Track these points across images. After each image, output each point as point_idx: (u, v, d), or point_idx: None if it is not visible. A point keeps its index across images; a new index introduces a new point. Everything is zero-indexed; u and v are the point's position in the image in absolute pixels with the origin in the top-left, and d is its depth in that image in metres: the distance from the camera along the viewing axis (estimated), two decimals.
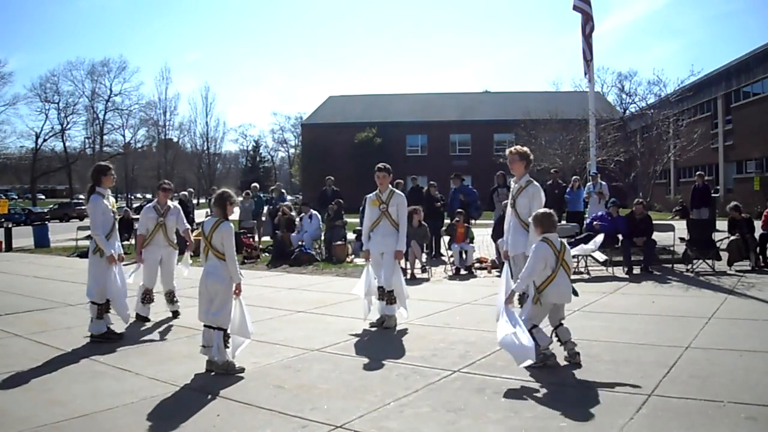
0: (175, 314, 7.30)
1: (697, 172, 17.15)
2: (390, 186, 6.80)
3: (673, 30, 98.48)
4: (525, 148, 5.89)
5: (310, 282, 10.24)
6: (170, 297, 7.30)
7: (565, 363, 4.84)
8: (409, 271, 10.05)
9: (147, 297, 7.16)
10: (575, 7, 13.32)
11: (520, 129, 28.53)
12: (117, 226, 6.42)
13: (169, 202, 7.46)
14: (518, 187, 5.72)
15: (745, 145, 28.83)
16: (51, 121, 62.17)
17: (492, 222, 11.75)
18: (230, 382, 4.65)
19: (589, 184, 13.42)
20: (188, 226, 7.73)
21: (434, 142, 43.58)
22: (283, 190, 18.27)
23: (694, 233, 10.45)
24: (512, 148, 5.88)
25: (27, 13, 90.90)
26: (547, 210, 5.02)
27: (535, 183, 5.70)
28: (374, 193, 6.79)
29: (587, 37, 13.43)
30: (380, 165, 6.82)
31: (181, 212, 7.63)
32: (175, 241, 7.43)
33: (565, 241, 5.00)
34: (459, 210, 11.52)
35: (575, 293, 4.95)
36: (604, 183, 13.16)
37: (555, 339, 4.91)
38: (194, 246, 7.35)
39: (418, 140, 44.38)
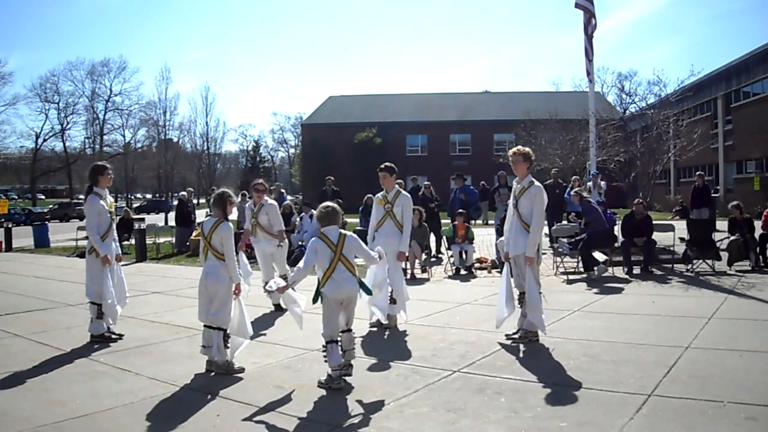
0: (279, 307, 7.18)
1: (697, 172, 17.15)
2: (397, 186, 6.79)
3: (673, 30, 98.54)
4: (527, 149, 5.88)
5: (310, 282, 10.20)
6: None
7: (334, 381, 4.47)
8: (409, 271, 10.05)
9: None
10: (577, 5, 13.27)
11: (520, 129, 28.51)
12: (114, 226, 6.40)
13: (266, 197, 7.55)
14: (521, 187, 5.71)
15: (745, 145, 28.82)
16: (51, 121, 62.22)
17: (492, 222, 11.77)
18: (230, 382, 4.66)
19: (589, 184, 13.40)
20: (282, 228, 7.81)
21: (434, 142, 43.54)
22: (283, 190, 18.25)
23: (694, 233, 10.45)
24: (515, 149, 5.86)
25: (27, 13, 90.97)
26: (327, 204, 4.74)
27: (538, 183, 5.69)
28: (381, 192, 6.78)
29: (590, 36, 13.39)
30: (382, 165, 6.79)
31: (277, 210, 7.74)
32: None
33: (350, 234, 4.73)
34: (460, 210, 11.52)
35: (366, 291, 4.79)
36: (604, 183, 13.11)
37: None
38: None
39: (418, 140, 44.34)
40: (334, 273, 4.52)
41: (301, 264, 4.65)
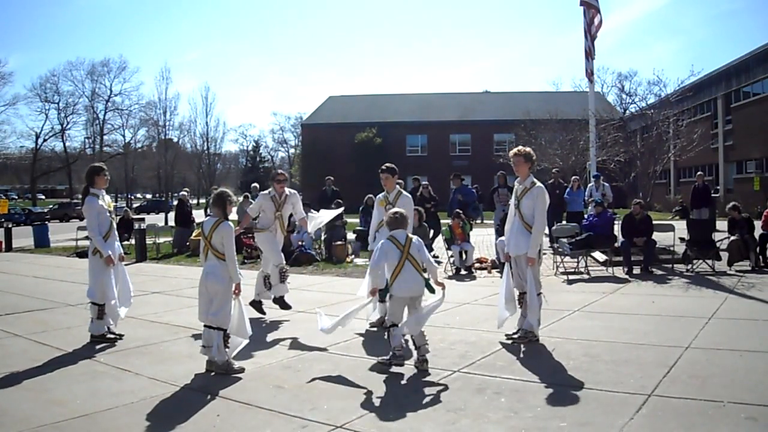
0: (281, 303, 7.12)
1: (698, 173, 17.13)
2: (398, 187, 6.79)
3: (674, 29, 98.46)
4: (528, 149, 5.87)
5: (310, 282, 10.24)
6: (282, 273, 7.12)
7: (415, 368, 4.87)
8: None
9: (283, 274, 7.10)
10: (582, 2, 13.23)
11: (520, 129, 28.53)
12: (115, 225, 6.39)
13: (287, 190, 7.28)
14: (523, 188, 5.70)
15: (745, 145, 28.81)
16: (51, 121, 62.14)
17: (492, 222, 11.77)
18: (230, 382, 4.66)
19: (590, 185, 13.34)
20: (304, 215, 7.59)
21: (434, 142, 43.56)
22: None
23: (694, 233, 10.44)
24: (516, 150, 5.84)
25: (27, 13, 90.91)
26: (397, 210, 5.25)
27: (540, 184, 5.68)
28: (382, 193, 6.78)
29: (593, 36, 13.35)
30: (384, 166, 6.79)
31: (299, 200, 7.48)
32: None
33: (415, 237, 5.14)
34: (457, 211, 11.52)
35: (430, 290, 5.07)
36: (607, 185, 13.07)
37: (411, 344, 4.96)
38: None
39: (418, 140, 44.37)
40: (403, 271, 4.92)
41: (372, 264, 5.13)
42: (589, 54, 13.49)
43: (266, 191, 7.29)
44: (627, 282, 9.11)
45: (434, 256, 11.81)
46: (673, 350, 5.12)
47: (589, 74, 13.78)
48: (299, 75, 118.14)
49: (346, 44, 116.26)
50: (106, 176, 6.29)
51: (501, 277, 6.14)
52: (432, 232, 11.80)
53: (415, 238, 5.12)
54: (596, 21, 13.27)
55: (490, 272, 10.51)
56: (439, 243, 12.45)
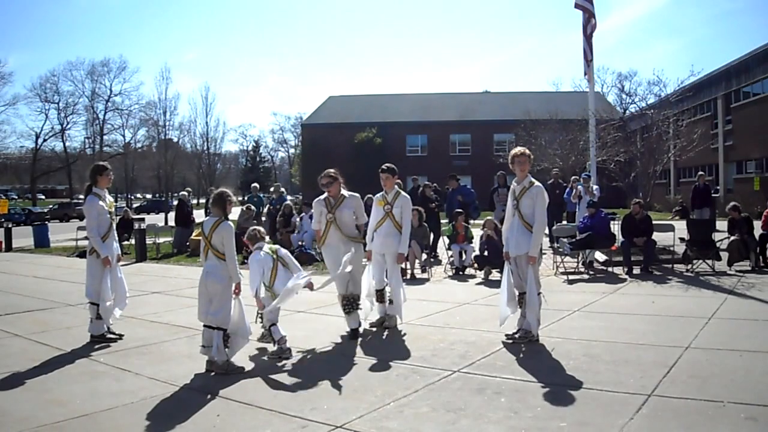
0: (354, 334, 6.03)
1: (699, 173, 17.13)
2: (396, 187, 6.78)
3: (674, 29, 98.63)
4: (525, 149, 5.89)
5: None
6: (349, 302, 6.07)
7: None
8: (409, 271, 10.04)
9: (347, 304, 6.08)
10: (577, 5, 13.25)
11: (520, 129, 28.53)
12: (114, 226, 6.39)
13: (344, 192, 6.22)
14: (521, 188, 5.71)
15: (745, 145, 28.82)
16: (51, 121, 62.11)
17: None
18: (230, 382, 4.66)
19: (579, 186, 13.31)
20: (366, 219, 6.50)
21: (434, 142, 43.57)
22: (283, 189, 18.23)
23: (694, 233, 10.44)
24: (521, 151, 5.83)
25: (27, 13, 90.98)
26: (255, 228, 5.79)
27: (539, 184, 5.69)
28: (381, 193, 6.77)
29: (588, 37, 13.37)
30: (384, 166, 6.77)
31: (360, 203, 6.37)
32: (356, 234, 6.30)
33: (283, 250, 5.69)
34: (458, 210, 11.51)
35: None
36: (596, 186, 13.04)
37: None
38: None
39: (418, 140, 44.37)
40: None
41: (254, 282, 5.57)
42: (587, 54, 13.48)
43: (320, 196, 6.43)
44: (627, 282, 9.11)
45: (434, 257, 11.84)
46: (673, 350, 5.12)
47: (588, 74, 13.77)
48: (299, 75, 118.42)
49: (346, 44, 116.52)
50: (110, 176, 6.30)
51: (502, 277, 6.14)
52: (432, 234, 11.77)
53: (283, 250, 5.80)
54: (591, 23, 13.28)
55: (490, 272, 10.47)
56: (438, 243, 12.44)
